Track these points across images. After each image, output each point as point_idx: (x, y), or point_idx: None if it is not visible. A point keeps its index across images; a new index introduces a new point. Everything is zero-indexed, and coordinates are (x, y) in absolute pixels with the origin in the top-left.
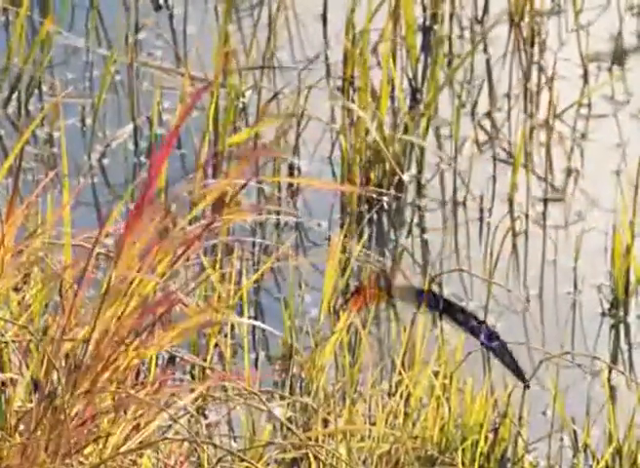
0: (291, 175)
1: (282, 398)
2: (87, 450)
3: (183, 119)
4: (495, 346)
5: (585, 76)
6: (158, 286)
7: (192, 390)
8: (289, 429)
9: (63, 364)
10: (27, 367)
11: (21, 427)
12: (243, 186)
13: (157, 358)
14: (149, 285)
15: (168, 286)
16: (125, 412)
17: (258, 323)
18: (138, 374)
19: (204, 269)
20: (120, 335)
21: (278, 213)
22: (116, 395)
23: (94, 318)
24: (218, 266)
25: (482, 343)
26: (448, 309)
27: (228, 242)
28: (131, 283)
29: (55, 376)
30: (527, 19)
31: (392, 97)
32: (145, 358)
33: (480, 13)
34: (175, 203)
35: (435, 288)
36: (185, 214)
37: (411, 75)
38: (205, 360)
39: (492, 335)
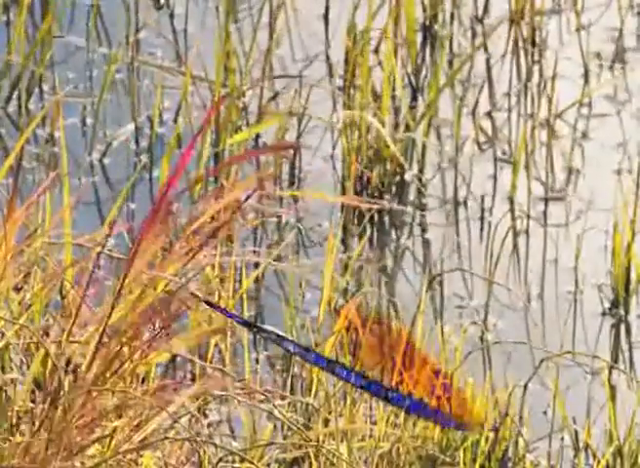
0: (292, 175)
1: (283, 397)
2: (88, 450)
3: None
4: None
5: (586, 75)
6: (168, 289)
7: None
8: (290, 429)
9: (65, 364)
10: (28, 367)
11: (23, 427)
12: (245, 200)
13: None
14: (158, 290)
15: (180, 288)
16: (125, 409)
17: (273, 328)
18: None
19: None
20: (129, 338)
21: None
22: (117, 394)
23: (103, 321)
24: (218, 265)
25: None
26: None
27: (229, 240)
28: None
29: (57, 377)
30: (527, 19)
31: (393, 97)
32: (155, 363)
33: (480, 12)
34: (177, 204)
35: None
36: (188, 222)
37: (412, 75)
38: (205, 359)
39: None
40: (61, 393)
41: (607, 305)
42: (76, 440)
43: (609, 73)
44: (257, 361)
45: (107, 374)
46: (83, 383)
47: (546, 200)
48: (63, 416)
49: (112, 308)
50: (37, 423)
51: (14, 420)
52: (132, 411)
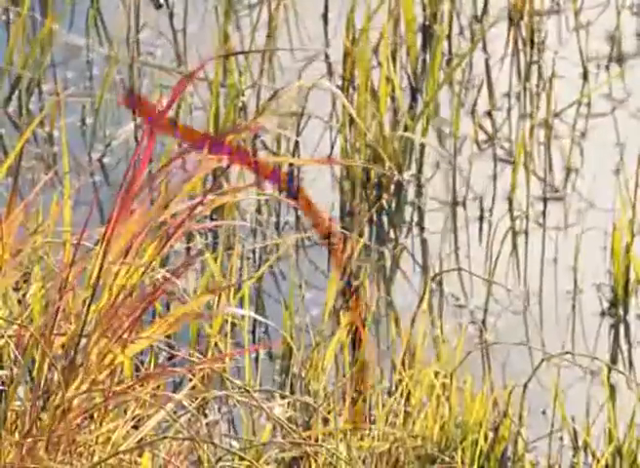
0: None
1: (282, 397)
2: (86, 448)
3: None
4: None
5: (585, 75)
6: (146, 273)
7: (192, 386)
8: (289, 428)
9: (61, 361)
10: (28, 366)
11: (20, 426)
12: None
13: (157, 358)
14: (136, 274)
15: (156, 273)
16: (125, 411)
17: (253, 314)
18: (138, 370)
19: (205, 268)
20: (111, 327)
21: (278, 212)
22: (116, 393)
23: (83, 311)
24: (219, 264)
25: None
26: None
27: (229, 241)
28: (117, 274)
29: (51, 373)
30: (526, 19)
31: (392, 97)
32: (138, 350)
33: (479, 12)
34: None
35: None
36: (175, 198)
37: (410, 74)
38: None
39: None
40: (55, 389)
41: (606, 305)
42: (72, 437)
43: (607, 73)
44: (257, 361)
45: (97, 366)
46: (76, 379)
47: (545, 200)
48: (58, 414)
49: (89, 298)
50: (31, 421)
51: (11, 419)
52: (130, 410)
